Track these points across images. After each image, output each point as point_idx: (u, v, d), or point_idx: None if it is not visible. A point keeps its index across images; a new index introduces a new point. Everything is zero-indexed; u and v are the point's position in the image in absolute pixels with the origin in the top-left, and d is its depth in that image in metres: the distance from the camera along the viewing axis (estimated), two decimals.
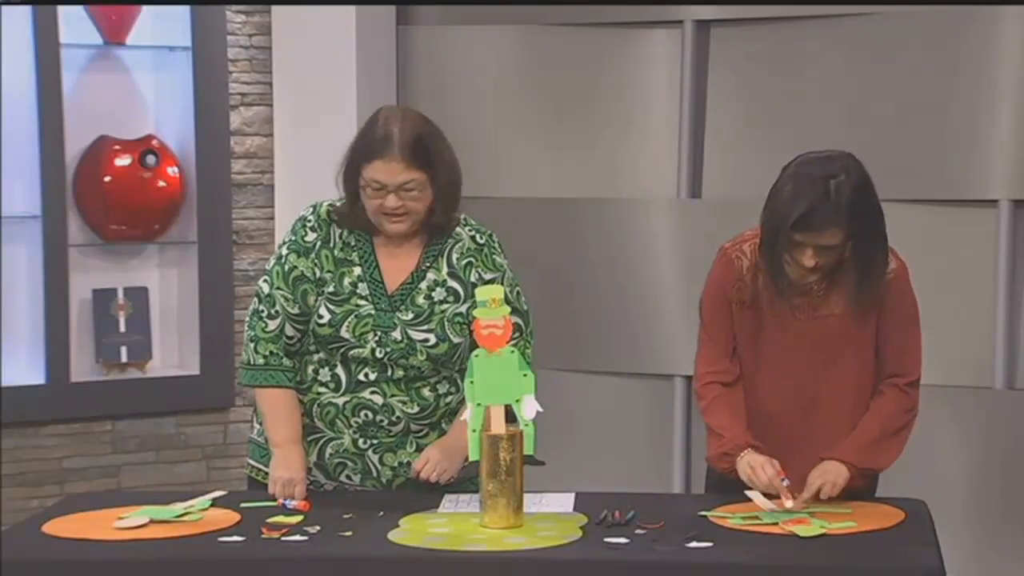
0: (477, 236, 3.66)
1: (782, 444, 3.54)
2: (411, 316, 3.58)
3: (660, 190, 5.54)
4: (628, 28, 5.54)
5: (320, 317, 3.57)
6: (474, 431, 3.31)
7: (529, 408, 3.32)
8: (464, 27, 5.73)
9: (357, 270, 3.60)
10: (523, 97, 5.69)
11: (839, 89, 5.25)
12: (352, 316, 3.57)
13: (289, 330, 3.60)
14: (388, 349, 3.57)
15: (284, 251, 3.62)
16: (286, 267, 3.60)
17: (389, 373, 3.58)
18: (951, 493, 5.05)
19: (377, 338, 3.57)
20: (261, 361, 3.60)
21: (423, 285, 3.60)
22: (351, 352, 3.57)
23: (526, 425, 3.31)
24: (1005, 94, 5.00)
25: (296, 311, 3.59)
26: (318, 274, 3.59)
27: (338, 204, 3.64)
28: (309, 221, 3.63)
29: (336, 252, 3.61)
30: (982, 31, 5.03)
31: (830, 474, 3.44)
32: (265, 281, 3.62)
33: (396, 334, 3.57)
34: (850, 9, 5.20)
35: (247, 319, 3.66)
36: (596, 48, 5.57)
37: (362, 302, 3.58)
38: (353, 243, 3.62)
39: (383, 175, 3.50)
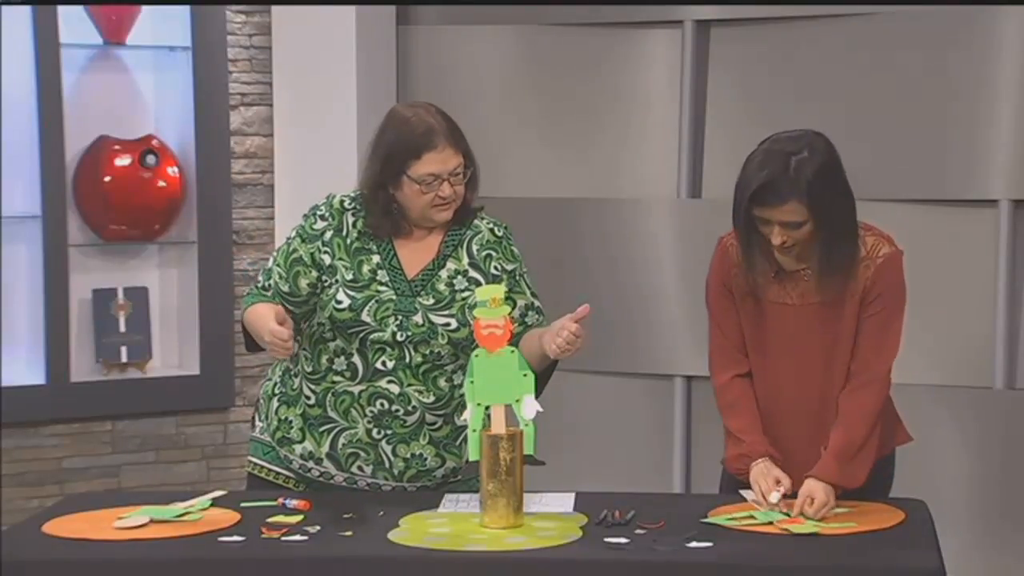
0: (495, 228, 3.70)
1: (794, 433, 3.54)
2: (432, 301, 3.60)
3: (660, 190, 5.54)
4: (628, 28, 5.54)
5: (339, 303, 3.58)
6: (474, 431, 3.31)
7: (529, 408, 3.32)
8: (464, 27, 5.73)
9: (376, 258, 3.62)
10: (523, 97, 5.69)
11: (839, 89, 5.24)
12: (373, 301, 3.59)
13: (334, 312, 3.62)
14: (409, 333, 3.58)
15: (292, 234, 3.69)
16: (289, 248, 3.66)
17: (408, 360, 3.59)
18: (951, 493, 5.05)
19: (398, 322, 3.58)
20: (251, 299, 3.64)
21: (443, 273, 3.63)
22: (371, 336, 3.59)
23: (526, 425, 3.31)
24: (1005, 94, 5.00)
25: (286, 289, 3.63)
26: (328, 261, 3.61)
27: (352, 195, 3.66)
28: (320, 210, 3.67)
29: (350, 241, 3.63)
30: (982, 31, 5.03)
31: (820, 499, 3.35)
32: (272, 259, 3.70)
33: (417, 318, 3.59)
34: (850, 9, 5.20)
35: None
36: (596, 48, 5.58)
37: (382, 288, 3.60)
38: (370, 233, 3.64)
39: (437, 166, 3.55)
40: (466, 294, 3.62)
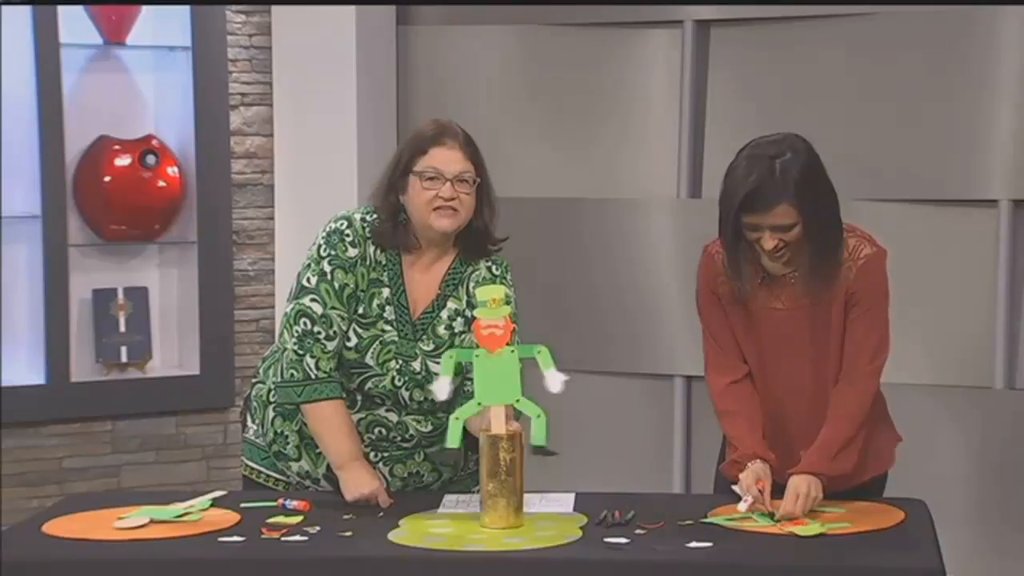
0: (493, 267, 3.66)
1: (794, 431, 3.54)
2: (431, 347, 3.58)
3: (660, 190, 5.54)
4: (628, 28, 5.54)
5: (348, 340, 3.56)
6: (456, 419, 3.31)
7: (553, 381, 3.30)
8: (464, 27, 5.73)
9: (386, 291, 3.58)
10: (523, 97, 5.69)
11: (839, 89, 5.25)
12: (377, 342, 3.56)
13: (343, 350, 3.58)
14: (406, 379, 3.57)
15: (327, 267, 3.55)
16: (336, 285, 3.54)
17: (403, 402, 3.59)
18: (951, 493, 5.05)
19: (398, 367, 3.56)
20: (324, 375, 3.52)
21: (444, 314, 3.61)
22: (369, 382, 3.56)
23: (537, 416, 3.29)
24: (1005, 94, 5.00)
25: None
26: (358, 291, 3.58)
27: (369, 217, 3.60)
28: (348, 235, 3.56)
29: (370, 272, 3.58)
30: (982, 31, 5.03)
31: (803, 491, 3.35)
32: (315, 300, 3.53)
33: (416, 364, 3.57)
34: (850, 9, 5.20)
35: (294, 339, 3.52)
36: (596, 48, 5.58)
37: (387, 327, 3.57)
38: (384, 262, 3.59)
39: (441, 161, 3.51)
40: (463, 337, 3.60)
